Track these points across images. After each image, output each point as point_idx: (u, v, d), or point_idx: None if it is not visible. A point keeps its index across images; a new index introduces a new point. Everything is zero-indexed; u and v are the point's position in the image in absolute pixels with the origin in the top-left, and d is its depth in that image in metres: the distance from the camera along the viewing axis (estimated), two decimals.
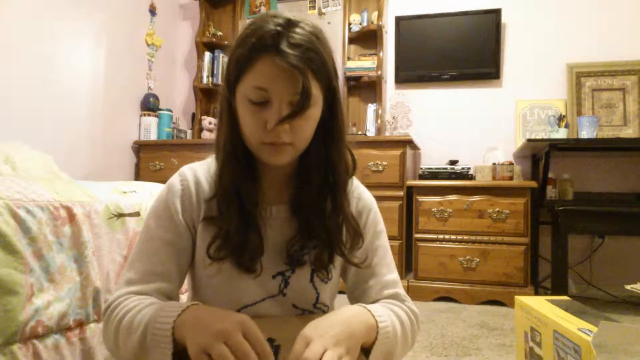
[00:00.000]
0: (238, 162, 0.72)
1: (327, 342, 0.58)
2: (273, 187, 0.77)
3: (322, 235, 0.74)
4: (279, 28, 0.65)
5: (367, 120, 3.02)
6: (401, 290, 0.81)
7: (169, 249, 0.72)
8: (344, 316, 0.65)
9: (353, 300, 0.83)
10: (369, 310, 0.68)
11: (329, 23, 3.16)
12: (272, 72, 0.64)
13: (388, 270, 0.81)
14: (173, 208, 0.73)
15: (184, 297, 1.10)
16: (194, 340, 0.55)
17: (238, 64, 0.67)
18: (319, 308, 0.79)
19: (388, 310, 0.72)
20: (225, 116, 0.72)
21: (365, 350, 0.66)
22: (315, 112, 0.69)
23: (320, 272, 0.76)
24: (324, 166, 0.74)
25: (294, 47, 0.64)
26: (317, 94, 0.67)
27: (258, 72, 0.65)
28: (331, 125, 0.73)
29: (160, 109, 3.22)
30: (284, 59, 0.63)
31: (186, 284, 0.83)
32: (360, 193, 0.82)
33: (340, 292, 0.84)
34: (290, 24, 0.66)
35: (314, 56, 0.65)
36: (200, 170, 0.77)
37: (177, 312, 0.60)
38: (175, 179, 0.76)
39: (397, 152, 2.63)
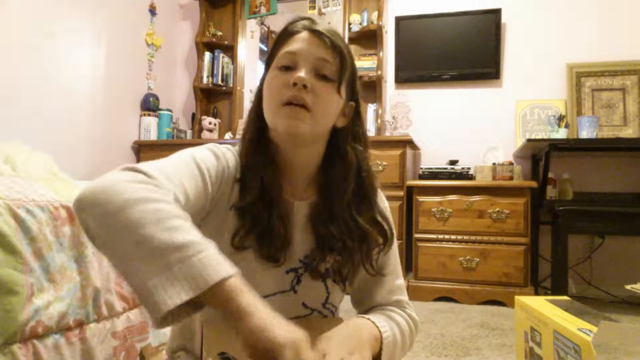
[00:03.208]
0: (257, 147, 0.73)
1: (342, 352, 0.60)
2: (294, 183, 0.76)
3: (344, 250, 0.73)
4: (312, 21, 0.74)
5: (367, 120, 3.02)
6: (404, 297, 0.83)
7: (199, 181, 0.66)
8: (352, 328, 0.68)
9: (357, 301, 0.85)
10: (373, 322, 0.71)
11: (329, 23, 3.14)
12: (303, 39, 0.71)
13: (395, 276, 0.83)
14: (220, 165, 0.70)
15: None
16: (255, 335, 0.48)
17: (275, 44, 0.74)
18: (327, 308, 0.79)
19: (390, 320, 0.75)
20: (255, 103, 0.76)
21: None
22: (336, 97, 0.72)
23: (336, 282, 0.76)
24: (355, 171, 0.75)
25: (325, 29, 0.73)
26: (344, 78, 0.72)
27: (291, 42, 0.72)
28: (359, 132, 0.77)
29: (160, 109, 3.22)
30: (317, 30, 0.71)
31: None
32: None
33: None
34: (321, 22, 0.75)
35: (343, 40, 0.74)
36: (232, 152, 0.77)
37: (231, 271, 0.50)
38: (225, 150, 0.73)
39: (397, 152, 2.63)
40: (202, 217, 0.69)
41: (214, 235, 0.70)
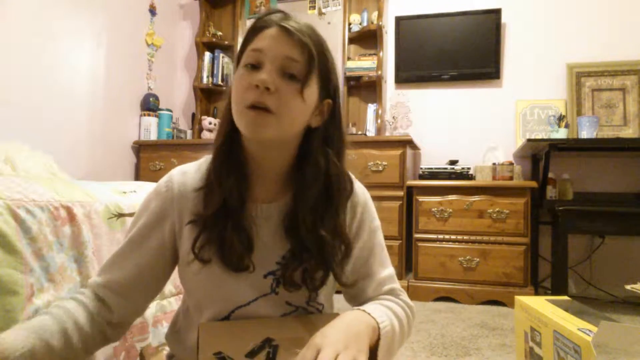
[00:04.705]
0: (226, 153, 0.72)
1: (338, 347, 0.59)
2: (265, 185, 0.75)
3: (314, 253, 0.72)
4: (284, 15, 0.71)
5: (367, 120, 3.02)
6: (396, 285, 0.82)
7: (134, 250, 0.76)
8: (347, 321, 0.66)
9: (349, 297, 0.84)
10: (369, 313, 0.69)
11: (329, 23, 3.16)
12: (271, 36, 0.68)
13: (383, 268, 0.82)
14: (151, 210, 0.76)
15: (172, 300, 1.09)
16: None
17: (245, 39, 0.72)
18: (312, 306, 0.77)
19: (385, 309, 0.74)
20: (227, 103, 0.73)
21: (370, 350, 0.67)
22: (305, 94, 0.68)
23: (312, 290, 0.74)
24: (322, 176, 0.72)
25: (296, 24, 0.69)
26: (312, 77, 0.69)
27: (259, 38, 0.69)
28: (333, 133, 0.74)
29: (160, 109, 3.22)
30: (284, 26, 0.68)
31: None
32: (354, 188, 0.80)
33: (337, 291, 0.84)
34: (294, 17, 0.72)
35: (314, 36, 0.70)
36: (190, 170, 0.77)
37: None
38: (161, 182, 0.78)
39: (397, 152, 2.63)
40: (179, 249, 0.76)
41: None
